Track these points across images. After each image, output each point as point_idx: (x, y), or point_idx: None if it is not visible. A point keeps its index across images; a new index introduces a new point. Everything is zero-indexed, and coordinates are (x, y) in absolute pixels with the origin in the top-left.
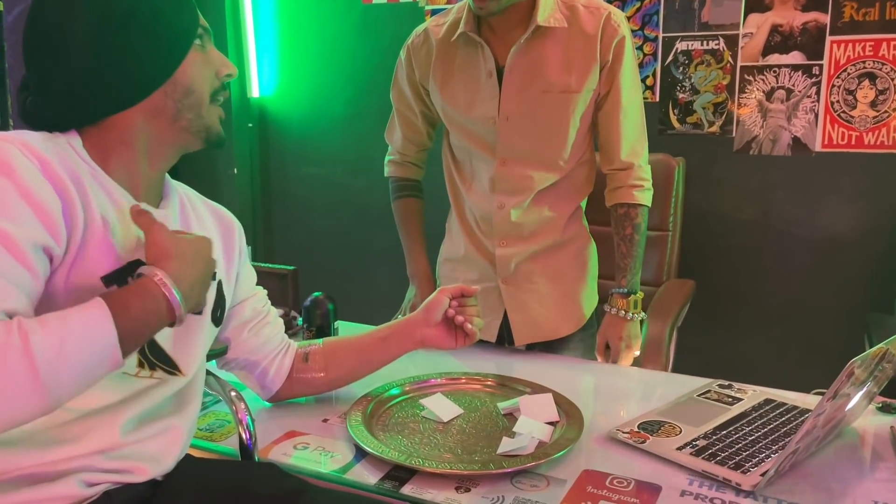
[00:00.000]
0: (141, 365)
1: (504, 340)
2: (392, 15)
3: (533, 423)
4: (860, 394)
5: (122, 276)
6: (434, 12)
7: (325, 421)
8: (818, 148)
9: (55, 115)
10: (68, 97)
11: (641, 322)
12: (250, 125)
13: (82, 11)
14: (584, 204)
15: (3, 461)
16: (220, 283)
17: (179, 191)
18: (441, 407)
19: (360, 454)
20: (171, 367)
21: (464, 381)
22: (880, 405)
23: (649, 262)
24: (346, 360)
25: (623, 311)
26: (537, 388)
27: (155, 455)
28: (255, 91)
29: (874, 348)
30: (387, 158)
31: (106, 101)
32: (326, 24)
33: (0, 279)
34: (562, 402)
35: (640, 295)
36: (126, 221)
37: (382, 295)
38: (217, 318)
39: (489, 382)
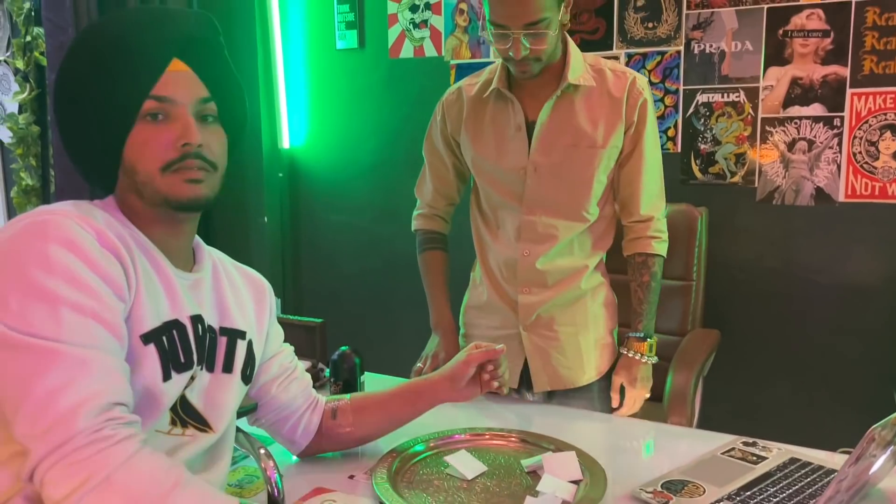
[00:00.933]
0: (173, 422)
1: (523, 386)
2: (418, 69)
3: (557, 482)
4: (885, 456)
5: (159, 335)
6: (458, 67)
7: (351, 477)
8: (841, 198)
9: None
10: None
11: (664, 369)
12: (280, 175)
13: (57, 90)
14: (604, 256)
15: None
16: (250, 343)
17: (213, 255)
18: (465, 464)
19: None
20: (202, 424)
21: (488, 436)
22: None
23: (673, 311)
24: (373, 417)
25: (639, 354)
26: (560, 446)
27: None
28: (285, 142)
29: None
30: (415, 213)
31: (88, 176)
32: (355, 78)
33: (114, 372)
34: (585, 460)
35: (654, 340)
36: (166, 282)
37: (407, 343)
38: (247, 377)
39: (513, 438)
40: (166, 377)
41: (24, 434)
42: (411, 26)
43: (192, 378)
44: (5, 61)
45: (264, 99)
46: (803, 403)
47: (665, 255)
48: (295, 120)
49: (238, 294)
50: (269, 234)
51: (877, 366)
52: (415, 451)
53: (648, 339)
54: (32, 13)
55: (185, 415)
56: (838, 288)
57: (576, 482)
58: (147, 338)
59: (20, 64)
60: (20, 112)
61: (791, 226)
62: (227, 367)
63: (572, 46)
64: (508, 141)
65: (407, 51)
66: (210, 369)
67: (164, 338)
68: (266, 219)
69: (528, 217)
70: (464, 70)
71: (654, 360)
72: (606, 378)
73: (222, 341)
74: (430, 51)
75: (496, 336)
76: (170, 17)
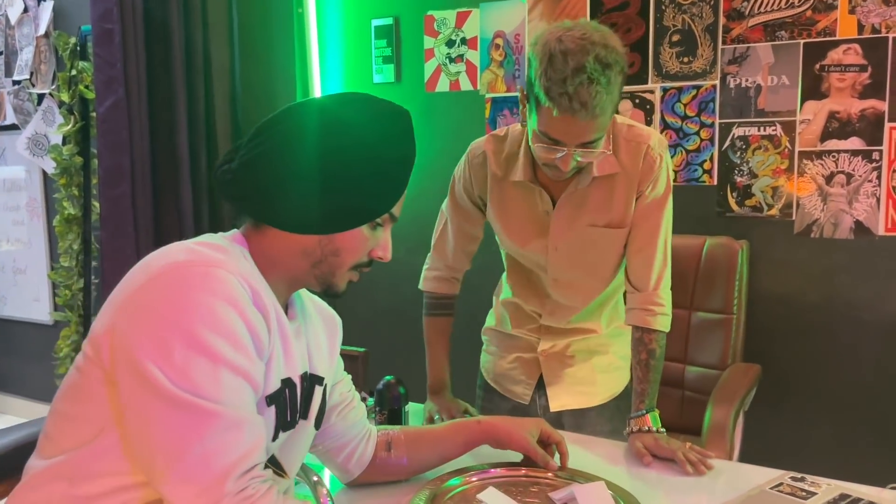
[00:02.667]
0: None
1: (535, 403)
2: (454, 102)
3: None
4: None
5: (279, 396)
6: (494, 101)
7: None
8: (881, 231)
9: (248, 199)
10: (270, 191)
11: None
12: None
13: (330, 153)
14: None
15: None
16: (325, 387)
17: (301, 296)
18: (497, 500)
19: None
20: (279, 469)
21: (523, 471)
22: None
23: (714, 345)
24: (426, 452)
25: (647, 427)
26: (591, 478)
27: None
28: None
29: None
30: (428, 273)
31: (284, 216)
32: None
33: (259, 433)
34: (622, 495)
35: (657, 412)
36: (284, 338)
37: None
38: (318, 423)
39: (548, 475)
40: (275, 437)
41: (171, 490)
42: (447, 60)
43: None
44: (50, 94)
45: None
46: (845, 441)
47: (666, 330)
48: None
49: (318, 336)
50: None
51: None
52: (451, 485)
53: (651, 413)
54: (78, 48)
55: (268, 461)
56: (881, 323)
57: None
58: (270, 399)
59: (65, 97)
60: (64, 143)
61: (830, 259)
62: (304, 414)
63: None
64: (534, 221)
65: (443, 85)
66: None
67: (281, 398)
68: None
69: (555, 284)
70: (499, 104)
71: (664, 430)
72: (619, 399)
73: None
74: (465, 85)
75: (514, 357)
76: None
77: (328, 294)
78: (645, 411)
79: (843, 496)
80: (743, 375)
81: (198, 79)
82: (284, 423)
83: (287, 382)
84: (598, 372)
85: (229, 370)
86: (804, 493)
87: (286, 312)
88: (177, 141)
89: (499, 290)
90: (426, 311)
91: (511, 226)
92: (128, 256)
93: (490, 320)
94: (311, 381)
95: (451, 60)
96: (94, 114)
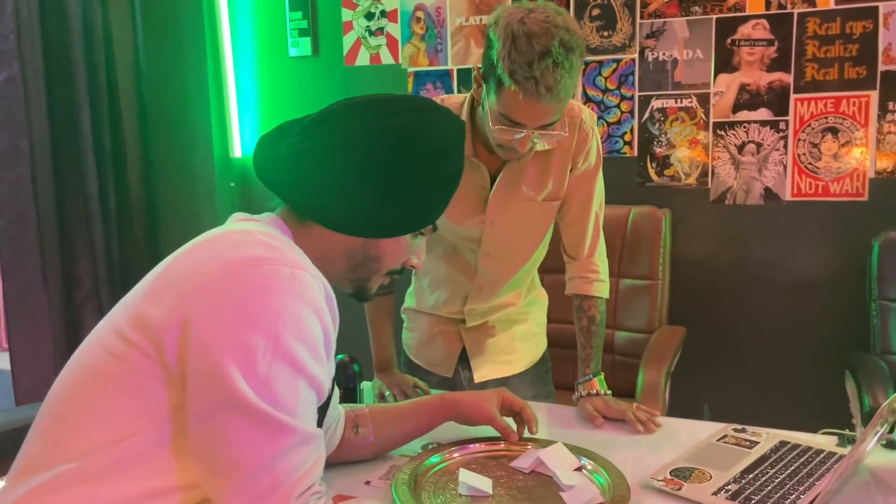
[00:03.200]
0: None
1: (458, 375)
2: (375, 77)
3: (570, 474)
4: (878, 435)
5: (325, 408)
6: (416, 74)
7: (367, 483)
8: (788, 197)
9: (298, 191)
10: (326, 188)
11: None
12: (232, 184)
13: (404, 166)
14: None
15: None
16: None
17: None
18: (476, 480)
19: None
20: None
21: (502, 445)
22: (885, 442)
23: (641, 310)
24: (392, 430)
25: (595, 391)
26: (544, 443)
27: None
28: (237, 151)
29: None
30: None
31: (335, 215)
32: (308, 86)
33: (322, 448)
34: (581, 452)
35: (602, 375)
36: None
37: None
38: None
39: (528, 446)
40: None
41: (228, 498)
42: (367, 34)
43: None
44: None
45: (215, 107)
46: (762, 393)
47: (605, 296)
48: (246, 129)
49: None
50: None
51: (828, 354)
52: (432, 462)
53: (598, 376)
54: None
55: None
56: (788, 282)
57: (577, 469)
58: (322, 408)
59: None
60: None
61: (743, 224)
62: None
63: None
64: (472, 196)
65: (363, 58)
66: None
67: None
68: None
69: (485, 258)
70: (422, 77)
71: (610, 392)
72: (538, 365)
73: None
74: (386, 58)
75: (437, 332)
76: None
77: (357, 298)
78: (591, 375)
79: (783, 443)
80: (670, 338)
81: (98, 51)
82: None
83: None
84: (518, 340)
85: (307, 382)
86: (748, 443)
87: None
88: (78, 118)
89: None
90: None
91: (453, 205)
92: (28, 243)
93: (409, 300)
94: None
95: (371, 34)
96: None
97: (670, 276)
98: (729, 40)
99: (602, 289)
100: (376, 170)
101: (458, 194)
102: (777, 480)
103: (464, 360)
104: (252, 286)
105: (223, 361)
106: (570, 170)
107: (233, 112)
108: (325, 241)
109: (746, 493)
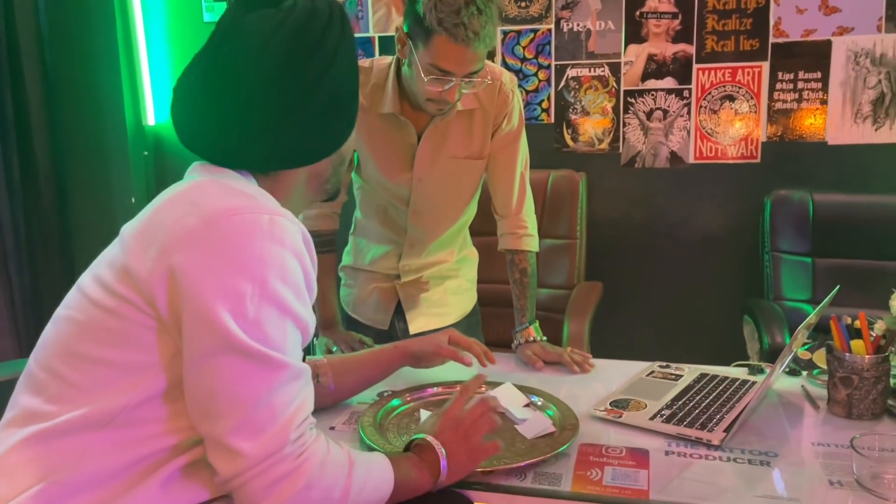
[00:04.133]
0: None
1: (394, 328)
2: None
3: (521, 409)
4: (786, 361)
5: (308, 349)
6: None
7: (332, 429)
8: (691, 160)
9: (251, 155)
10: (275, 141)
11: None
12: (146, 153)
13: (320, 85)
14: None
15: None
16: None
17: None
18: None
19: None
20: None
21: (458, 388)
22: (787, 370)
23: (561, 267)
24: (350, 379)
25: (532, 338)
26: (494, 385)
27: None
28: (150, 119)
29: (805, 322)
30: (307, 213)
31: (297, 156)
32: None
33: (311, 382)
34: (528, 390)
35: (537, 322)
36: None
37: None
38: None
39: (482, 389)
40: None
41: (235, 438)
42: None
43: None
44: None
45: (126, 74)
46: (672, 336)
47: (535, 250)
48: (159, 95)
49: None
50: (136, 214)
51: (729, 301)
52: (393, 405)
53: (533, 324)
54: None
55: None
56: (693, 238)
57: (527, 405)
58: (305, 351)
59: None
60: None
61: (651, 186)
62: None
63: None
64: (400, 154)
65: None
66: None
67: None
68: (133, 199)
69: (414, 217)
70: None
71: (545, 338)
72: (469, 316)
73: None
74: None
75: (372, 288)
76: None
77: (334, 197)
78: (528, 324)
79: (703, 375)
80: (590, 292)
81: None
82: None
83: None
84: (450, 294)
85: (293, 322)
86: (674, 376)
87: None
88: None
89: (354, 229)
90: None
91: (379, 158)
92: None
93: (346, 258)
94: None
95: None
96: None
97: (587, 236)
98: (637, 13)
99: (531, 243)
100: (313, 95)
101: (387, 151)
102: (703, 404)
103: (399, 313)
104: (235, 235)
105: (214, 307)
106: (494, 131)
107: (145, 78)
108: (297, 176)
109: (679, 415)
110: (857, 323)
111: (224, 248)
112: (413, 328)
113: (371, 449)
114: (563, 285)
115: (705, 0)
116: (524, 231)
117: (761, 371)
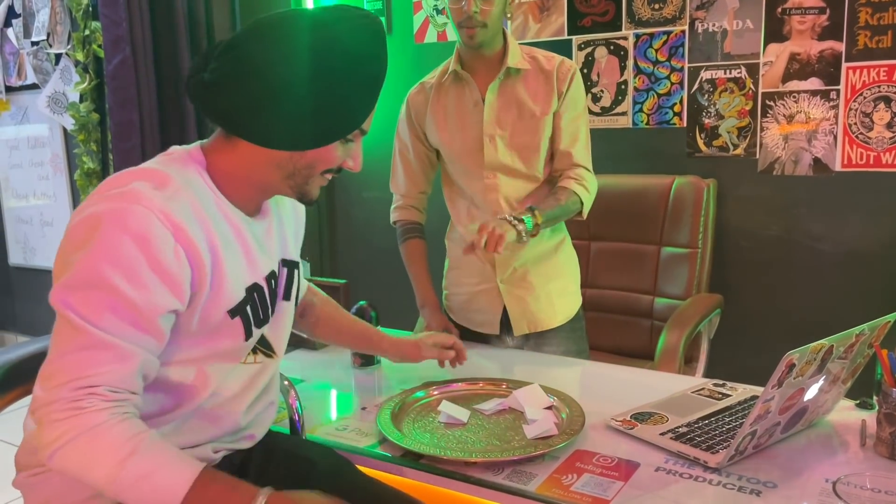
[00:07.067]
0: (253, 351)
1: (504, 331)
2: (442, 52)
3: (537, 410)
4: (816, 386)
5: (244, 306)
6: None
7: (363, 409)
8: (838, 167)
9: (222, 113)
10: (246, 108)
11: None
12: None
13: (308, 70)
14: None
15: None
16: (297, 265)
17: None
18: (454, 410)
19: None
20: (269, 350)
21: (481, 384)
22: (859, 402)
23: (679, 278)
24: (326, 333)
25: (517, 221)
26: (522, 384)
27: (258, 428)
28: None
29: (815, 343)
30: (392, 207)
31: (258, 131)
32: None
33: (126, 362)
34: (555, 393)
35: (538, 217)
36: (245, 247)
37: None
38: (297, 300)
39: (504, 385)
40: (248, 336)
41: (36, 383)
42: (434, 12)
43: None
44: (67, 54)
45: None
46: None
47: (584, 207)
48: None
49: (290, 224)
50: (307, 210)
51: None
52: (416, 397)
53: (530, 213)
54: (90, 8)
55: (258, 343)
56: (837, 253)
57: (548, 408)
58: (233, 312)
59: (80, 56)
60: (81, 101)
61: (791, 195)
62: (287, 296)
63: (510, 38)
64: (468, 115)
65: (431, 36)
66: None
67: (248, 307)
68: None
69: (490, 181)
70: None
71: (526, 225)
72: (576, 321)
73: (283, 272)
74: (451, 35)
75: (477, 291)
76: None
77: (302, 202)
78: (529, 210)
79: (755, 396)
80: (700, 304)
81: (199, 36)
82: (258, 322)
83: (253, 288)
84: (554, 296)
85: (116, 300)
86: (720, 395)
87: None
88: (182, 95)
89: (449, 234)
90: (399, 240)
91: (449, 120)
92: None
93: (447, 264)
94: (291, 266)
95: (438, 12)
96: None
97: (714, 246)
98: (779, 9)
99: (586, 197)
100: (294, 83)
101: (455, 108)
102: (727, 427)
103: (504, 317)
104: (90, 216)
105: (55, 277)
106: (559, 98)
107: None
108: (254, 156)
109: (692, 434)
110: None
111: (73, 232)
112: (517, 330)
113: (382, 433)
114: (679, 296)
115: None
116: (588, 186)
117: (871, 407)
